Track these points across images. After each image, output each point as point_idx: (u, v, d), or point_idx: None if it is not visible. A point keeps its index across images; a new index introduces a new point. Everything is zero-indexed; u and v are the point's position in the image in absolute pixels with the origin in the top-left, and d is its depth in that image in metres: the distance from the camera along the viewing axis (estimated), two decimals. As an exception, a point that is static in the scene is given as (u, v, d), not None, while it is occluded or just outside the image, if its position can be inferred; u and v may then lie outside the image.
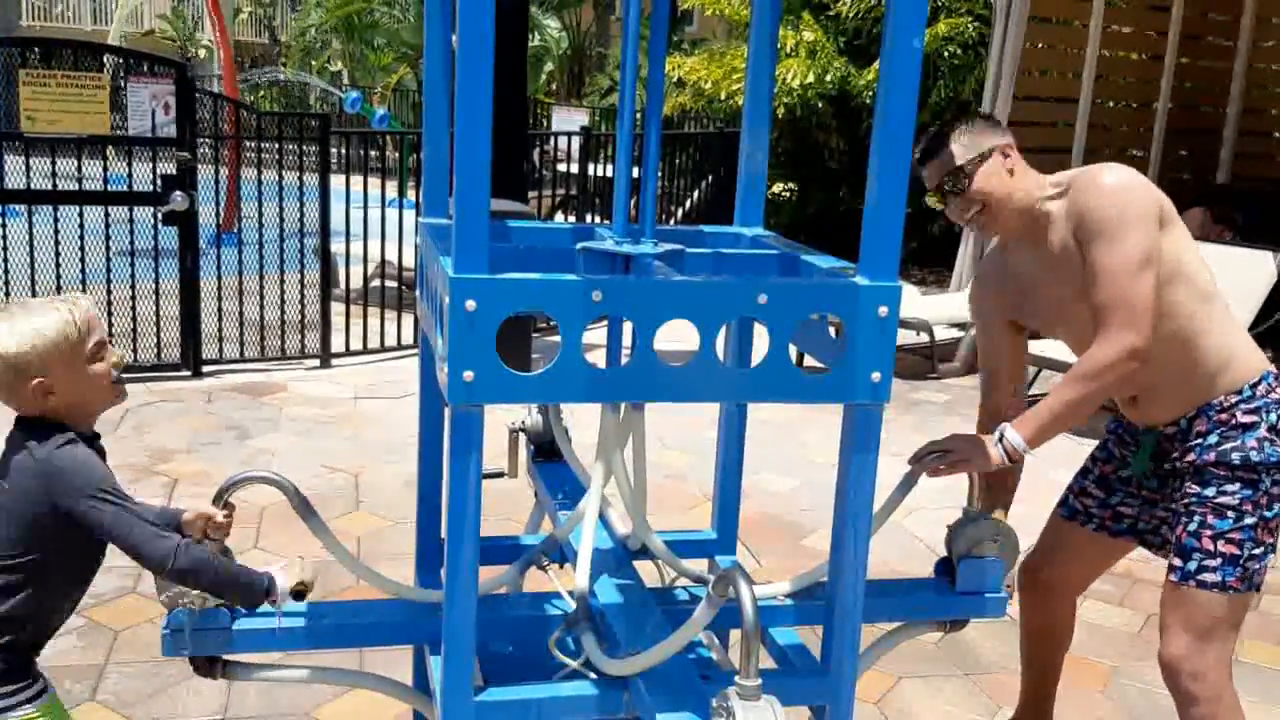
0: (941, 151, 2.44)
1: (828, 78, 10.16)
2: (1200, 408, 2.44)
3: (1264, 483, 2.40)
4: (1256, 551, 2.41)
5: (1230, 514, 2.40)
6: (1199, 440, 2.45)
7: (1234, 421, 2.41)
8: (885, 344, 1.76)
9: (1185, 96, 8.91)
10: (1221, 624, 2.43)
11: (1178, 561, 2.46)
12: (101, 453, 2.08)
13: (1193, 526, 2.43)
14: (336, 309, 7.11)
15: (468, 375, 1.64)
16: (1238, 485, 2.40)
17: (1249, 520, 2.40)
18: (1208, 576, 2.41)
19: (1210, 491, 2.42)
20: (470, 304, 1.61)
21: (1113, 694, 3.46)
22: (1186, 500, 2.46)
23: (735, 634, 2.37)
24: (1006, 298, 2.58)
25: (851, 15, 10.56)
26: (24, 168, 6.13)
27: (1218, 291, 2.45)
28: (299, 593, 2.01)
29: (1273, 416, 2.41)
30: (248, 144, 7.99)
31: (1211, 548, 2.41)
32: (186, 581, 1.95)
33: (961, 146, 2.42)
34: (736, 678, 1.57)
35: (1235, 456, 2.40)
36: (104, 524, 1.91)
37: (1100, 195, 2.32)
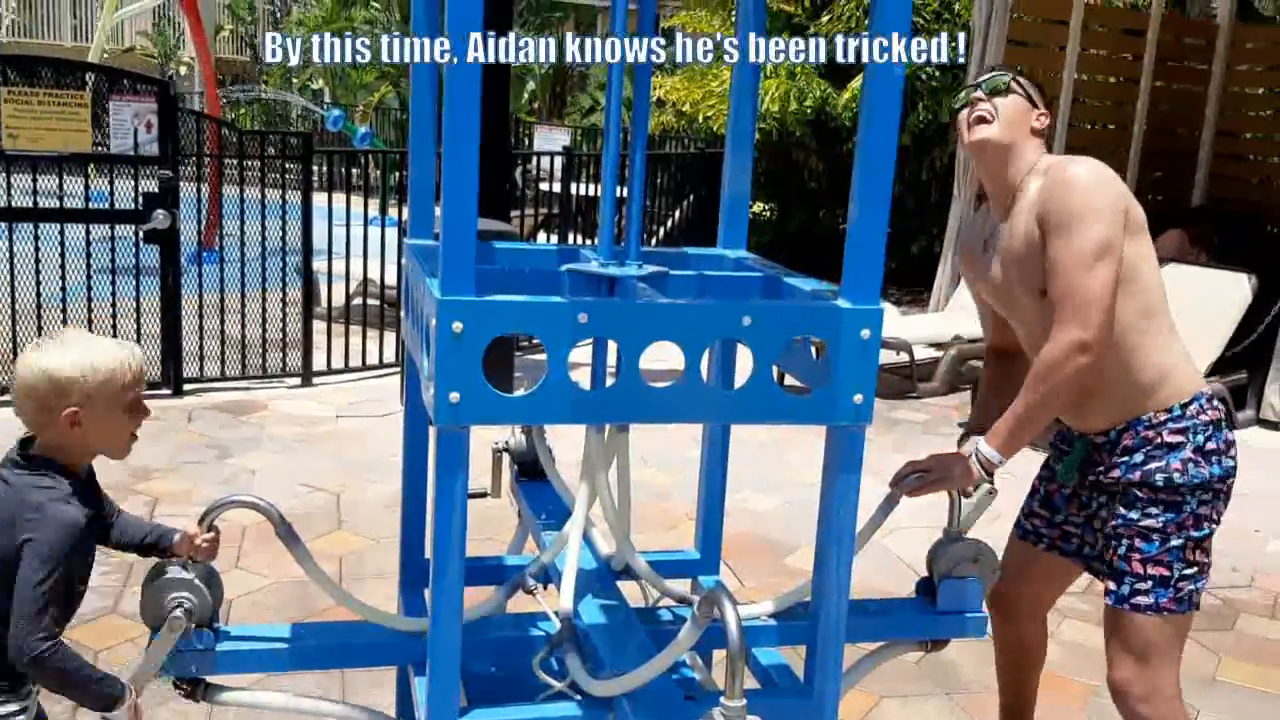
0: (1006, 70, 2.52)
1: (806, 102, 10.24)
2: (1130, 421, 2.43)
3: (1189, 504, 2.40)
4: (1188, 572, 2.41)
5: (1155, 537, 2.40)
6: (1125, 457, 2.44)
7: (1160, 440, 2.41)
8: (867, 366, 1.78)
9: (1161, 119, 9.01)
10: (1161, 646, 2.43)
11: (1112, 585, 2.47)
12: (95, 487, 2.10)
13: (1121, 550, 2.44)
14: (318, 327, 7.09)
15: (454, 396, 1.65)
16: (1160, 509, 2.40)
17: (1175, 542, 2.40)
18: (1141, 600, 2.42)
19: (1135, 515, 2.43)
20: (457, 326, 1.62)
21: (1091, 713, 3.48)
22: (1114, 523, 2.47)
23: (719, 653, 2.38)
24: (972, 258, 2.64)
25: (829, 36, 10.64)
26: (4, 185, 6.11)
27: (1165, 309, 2.46)
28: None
29: (1200, 438, 2.40)
30: (230, 162, 7.98)
31: (1141, 570, 2.41)
32: (36, 678, 1.93)
33: (1025, 81, 2.49)
34: (722, 698, 1.58)
35: (1159, 478, 2.40)
36: (21, 577, 1.88)
37: (1064, 187, 2.32)
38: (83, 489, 2.03)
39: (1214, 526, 2.46)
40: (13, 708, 2.04)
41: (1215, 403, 2.48)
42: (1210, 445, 2.42)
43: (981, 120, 2.44)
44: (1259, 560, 4.70)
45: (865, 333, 1.77)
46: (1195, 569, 2.43)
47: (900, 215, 11.25)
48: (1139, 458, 2.43)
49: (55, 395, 1.96)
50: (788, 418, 1.83)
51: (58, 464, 2.00)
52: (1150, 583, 2.41)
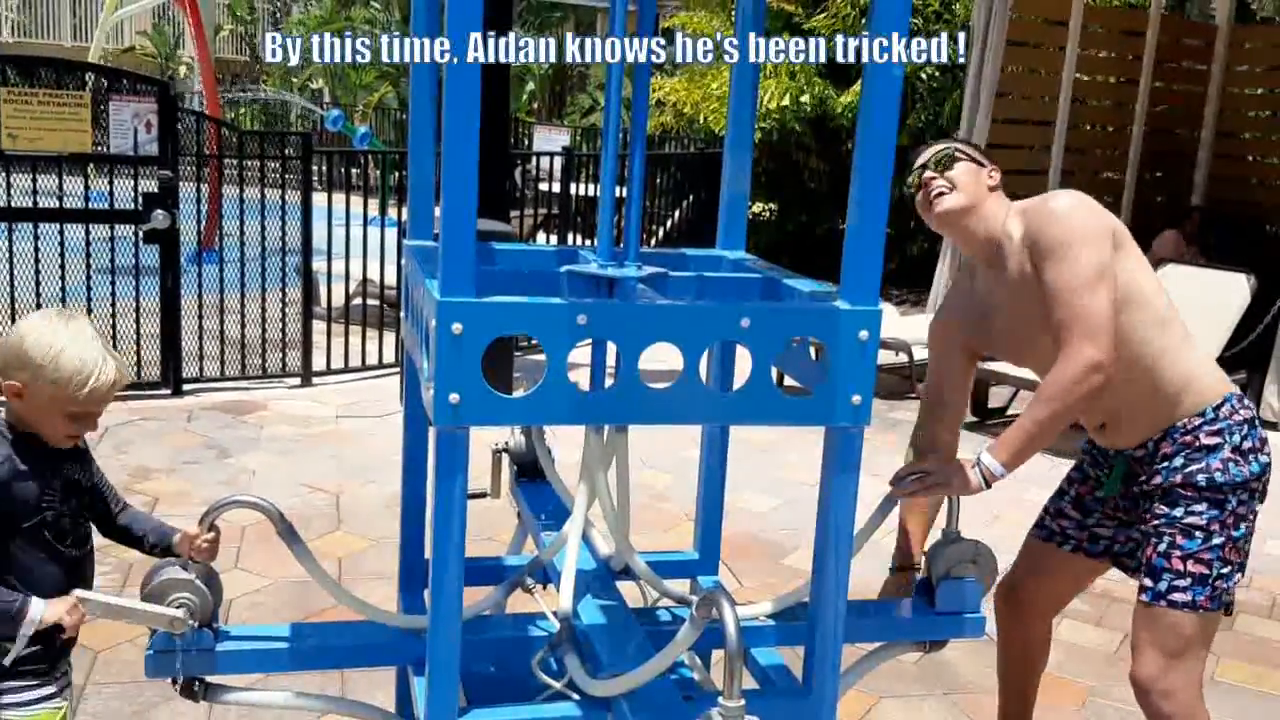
0: (946, 142, 2.54)
1: (804, 99, 10.24)
2: (1165, 430, 2.47)
3: (1230, 503, 2.44)
4: (1225, 571, 2.45)
5: (1198, 534, 2.44)
6: (1165, 463, 2.48)
7: (1198, 443, 2.45)
8: (866, 367, 1.79)
9: (1160, 120, 9.02)
10: (1192, 643, 2.47)
11: (1148, 582, 2.49)
12: (76, 457, 2.11)
13: (1162, 547, 2.47)
14: (318, 327, 7.10)
15: (454, 397, 1.65)
16: (1204, 506, 2.44)
17: (1217, 540, 2.43)
18: (1178, 596, 2.44)
19: (1178, 512, 2.46)
20: (457, 327, 1.63)
21: (1089, 714, 3.49)
22: (1155, 521, 2.49)
23: (717, 653, 2.39)
24: (970, 324, 2.60)
25: (828, 34, 10.64)
26: (4, 185, 6.12)
27: (1176, 315, 2.48)
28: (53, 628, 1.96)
29: (1236, 437, 2.44)
30: (229, 162, 7.99)
31: (1181, 568, 2.44)
32: None
33: (965, 146, 2.53)
34: (720, 699, 1.58)
35: (1201, 478, 2.43)
36: None
37: (1050, 219, 2.35)
38: (35, 444, 2.05)
39: (1250, 526, 2.49)
40: (48, 690, 2.07)
41: (1246, 401, 2.51)
42: (1246, 444, 2.46)
43: (940, 194, 2.48)
44: (1257, 561, 4.66)
45: (863, 334, 1.77)
46: (1230, 568, 2.46)
47: (900, 217, 11.24)
48: (1179, 461, 2.46)
49: (14, 361, 2.01)
50: (786, 419, 1.83)
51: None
52: (1189, 580, 2.44)
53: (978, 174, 2.48)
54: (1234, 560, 2.46)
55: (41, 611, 1.97)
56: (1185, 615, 2.44)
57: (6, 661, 1.98)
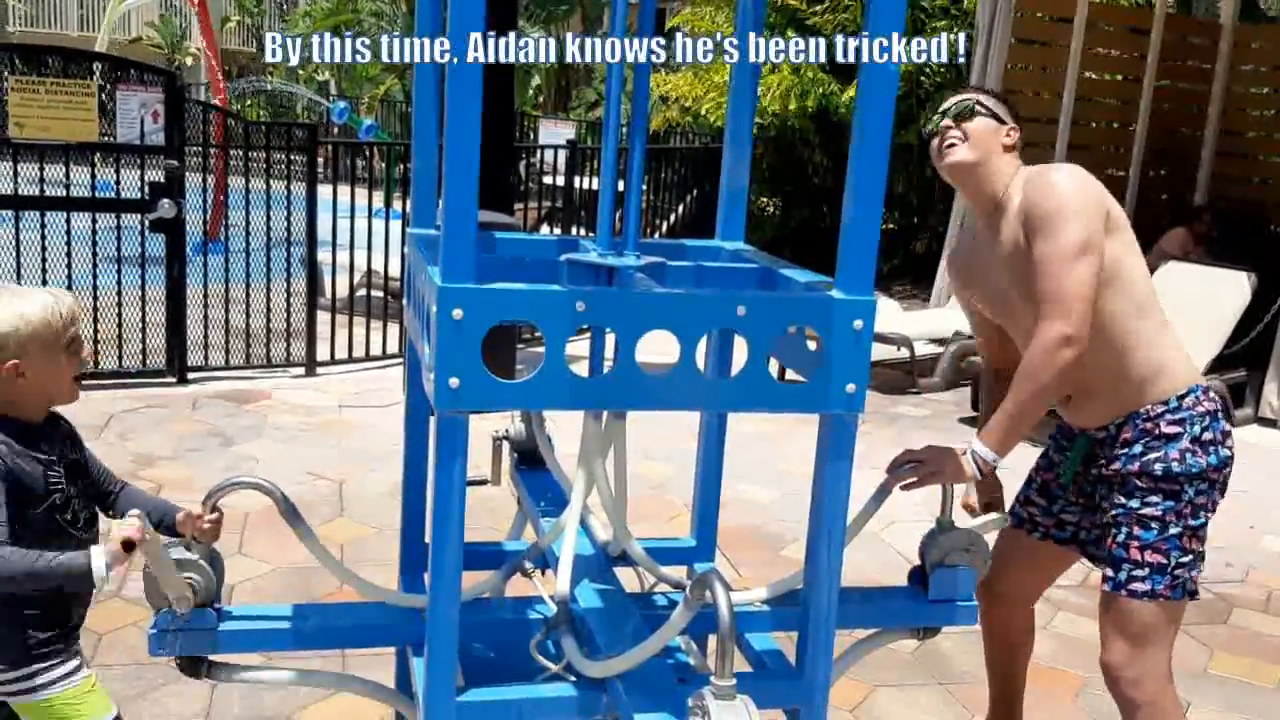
0: (973, 91, 2.61)
1: (808, 100, 10.25)
2: (1129, 415, 2.50)
3: (1187, 493, 2.46)
4: (1185, 560, 2.48)
5: (1154, 525, 2.47)
6: (1125, 449, 2.51)
7: (1158, 432, 2.48)
8: (860, 356, 1.81)
9: (1164, 118, 9.02)
10: (1156, 631, 2.50)
11: (1109, 571, 2.53)
12: (60, 436, 2.15)
13: (1120, 537, 2.50)
14: (322, 318, 7.13)
15: (454, 382, 1.68)
16: (1160, 497, 2.47)
17: (1173, 530, 2.46)
18: (1137, 586, 2.48)
19: (1135, 503, 2.49)
20: (457, 312, 1.66)
21: (1083, 704, 3.52)
22: (1114, 512, 2.53)
23: (713, 640, 2.42)
24: (964, 276, 2.71)
25: (830, 28, 10.62)
26: (12, 174, 6.15)
27: (1156, 303, 2.52)
28: (128, 544, 1.93)
29: (1196, 428, 2.47)
30: (235, 152, 8.02)
31: (1139, 558, 2.48)
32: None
33: (991, 99, 2.58)
34: (712, 677, 1.61)
35: (1158, 467, 2.46)
36: None
37: (1044, 189, 2.39)
38: (33, 432, 2.09)
39: (1210, 515, 2.52)
40: (75, 662, 2.15)
41: (1211, 394, 2.54)
42: (1207, 435, 2.48)
43: (951, 145, 2.53)
44: (1253, 556, 4.73)
45: (858, 323, 1.79)
46: (1191, 557, 2.49)
47: (905, 213, 11.26)
48: (1138, 449, 2.49)
49: None
50: (781, 406, 1.86)
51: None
52: (1147, 569, 2.47)
53: (994, 131, 2.53)
54: (1194, 549, 2.49)
55: (100, 565, 1.93)
56: (1145, 604, 2.48)
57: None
